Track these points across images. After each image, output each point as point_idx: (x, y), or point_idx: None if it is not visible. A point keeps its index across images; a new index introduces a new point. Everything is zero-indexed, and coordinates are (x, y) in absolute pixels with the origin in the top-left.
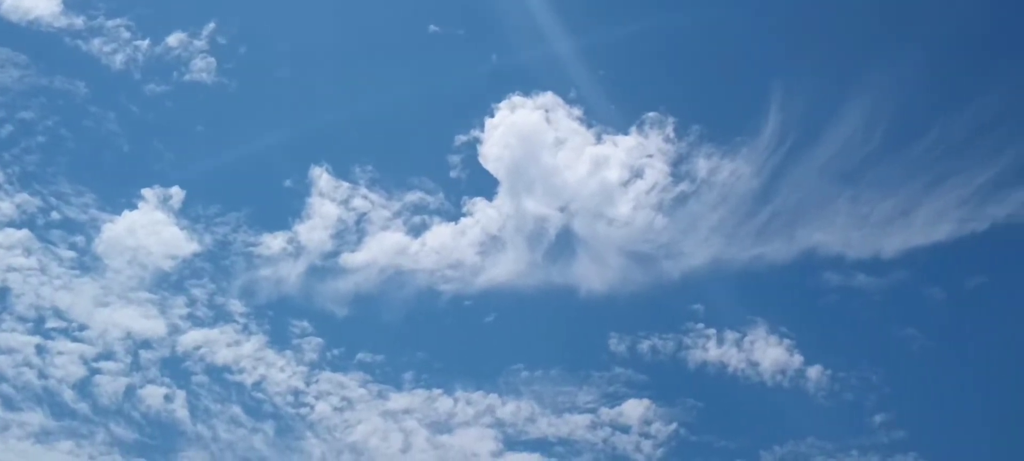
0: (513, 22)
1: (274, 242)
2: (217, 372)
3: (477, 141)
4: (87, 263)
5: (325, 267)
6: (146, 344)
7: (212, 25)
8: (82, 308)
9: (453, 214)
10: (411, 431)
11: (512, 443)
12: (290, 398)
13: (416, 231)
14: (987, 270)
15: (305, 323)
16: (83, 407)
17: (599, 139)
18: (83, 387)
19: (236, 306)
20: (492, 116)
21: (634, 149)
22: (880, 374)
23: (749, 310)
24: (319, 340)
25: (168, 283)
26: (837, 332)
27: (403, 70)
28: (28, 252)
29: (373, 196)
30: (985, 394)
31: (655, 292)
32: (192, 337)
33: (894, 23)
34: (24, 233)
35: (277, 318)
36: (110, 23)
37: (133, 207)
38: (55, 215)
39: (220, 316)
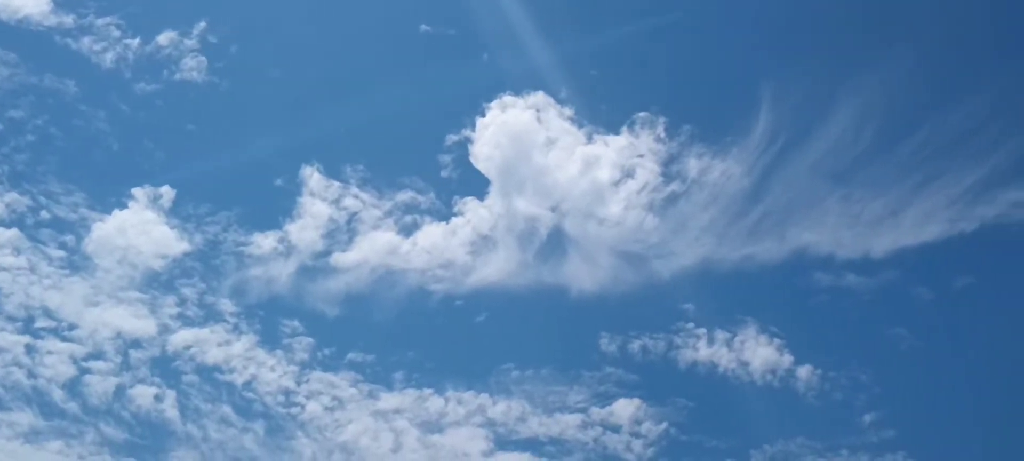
0: (504, 22)
1: (265, 241)
2: (207, 372)
3: (468, 141)
4: (77, 262)
5: (316, 267)
6: (136, 344)
7: (203, 24)
8: (72, 307)
9: (444, 214)
10: (402, 431)
11: (503, 443)
12: (281, 398)
13: (407, 231)
14: (976, 270)
15: (296, 323)
16: (73, 407)
17: (590, 139)
18: (73, 387)
19: (226, 306)
20: (483, 116)
21: (625, 149)
22: (869, 374)
23: (739, 310)
24: (310, 340)
25: (158, 283)
26: (827, 332)
27: (394, 70)
28: (17, 251)
29: (364, 196)
30: (974, 394)
31: (646, 292)
32: (182, 337)
33: (884, 24)
34: (13, 232)
35: (268, 318)
36: (100, 22)
37: (123, 206)
38: (45, 214)
39: (210, 316)
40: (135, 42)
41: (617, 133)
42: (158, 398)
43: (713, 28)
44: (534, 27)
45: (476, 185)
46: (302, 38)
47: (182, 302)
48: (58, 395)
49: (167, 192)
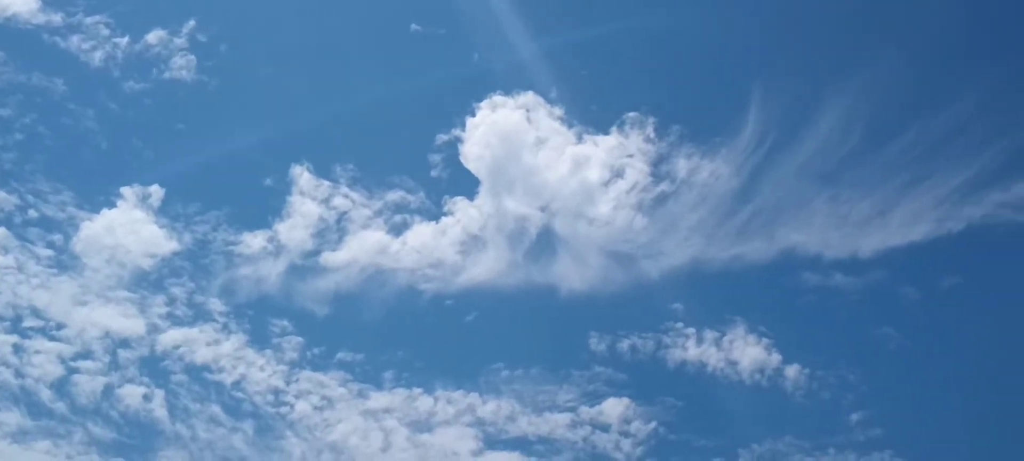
0: (494, 22)
1: (254, 241)
2: (196, 371)
3: (458, 140)
4: (65, 261)
5: (305, 266)
6: (125, 343)
7: (192, 23)
8: (60, 307)
9: (434, 213)
10: (391, 430)
11: (492, 442)
12: (270, 397)
13: (397, 230)
14: (963, 270)
15: (285, 322)
16: (61, 407)
17: (580, 139)
18: (61, 386)
19: (216, 305)
20: (473, 115)
21: (615, 149)
22: (857, 373)
23: (728, 309)
24: (299, 339)
25: (147, 282)
26: (815, 331)
27: (384, 69)
28: (5, 250)
29: (354, 195)
30: (961, 393)
31: (635, 291)
32: (171, 336)
33: (872, 25)
34: (1, 231)
35: (257, 317)
36: (89, 20)
37: (112, 205)
38: (33, 213)
39: (199, 315)
40: (124, 40)
41: (607, 133)
42: (147, 398)
43: (702, 29)
44: (524, 27)
45: (466, 185)
46: (292, 37)
47: (171, 301)
48: (46, 395)
49: (156, 191)
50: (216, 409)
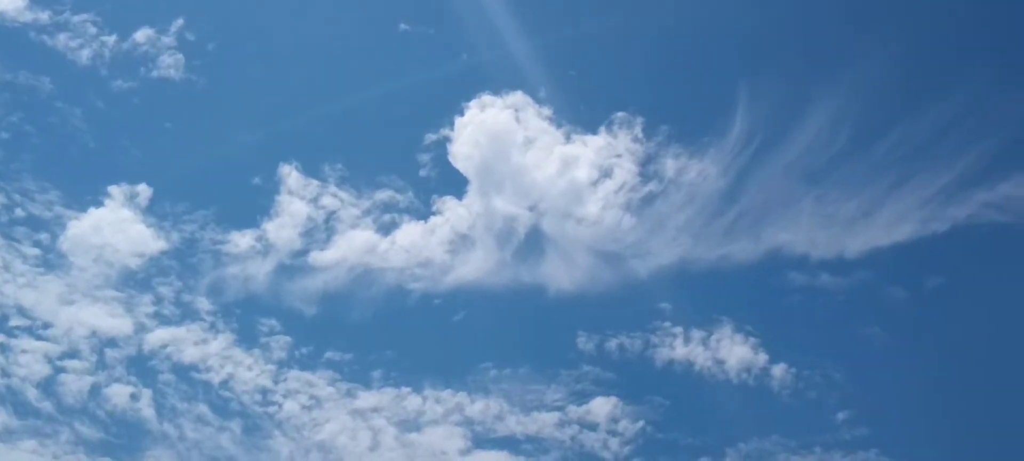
0: (483, 22)
1: (242, 240)
2: (184, 371)
3: (447, 140)
4: (52, 261)
5: (294, 265)
6: (112, 342)
7: (180, 21)
8: (46, 306)
9: (422, 213)
10: (380, 429)
11: (480, 441)
12: (258, 397)
13: (385, 229)
14: (947, 270)
15: (273, 321)
16: (47, 406)
17: (568, 139)
18: (47, 386)
19: (203, 304)
20: (462, 115)
21: (603, 149)
22: (843, 372)
23: (715, 309)
24: (287, 338)
25: (134, 281)
26: (801, 331)
27: (373, 68)
28: None
29: (342, 194)
30: (945, 391)
31: (623, 291)
32: (158, 335)
33: (859, 27)
34: None
35: (245, 316)
36: (76, 18)
37: (99, 204)
38: (19, 212)
39: (187, 314)
40: (111, 39)
41: (595, 133)
42: (134, 397)
43: (690, 30)
44: (513, 27)
45: (455, 184)
46: (280, 36)
47: (158, 301)
48: (32, 394)
49: (144, 190)
50: (204, 408)
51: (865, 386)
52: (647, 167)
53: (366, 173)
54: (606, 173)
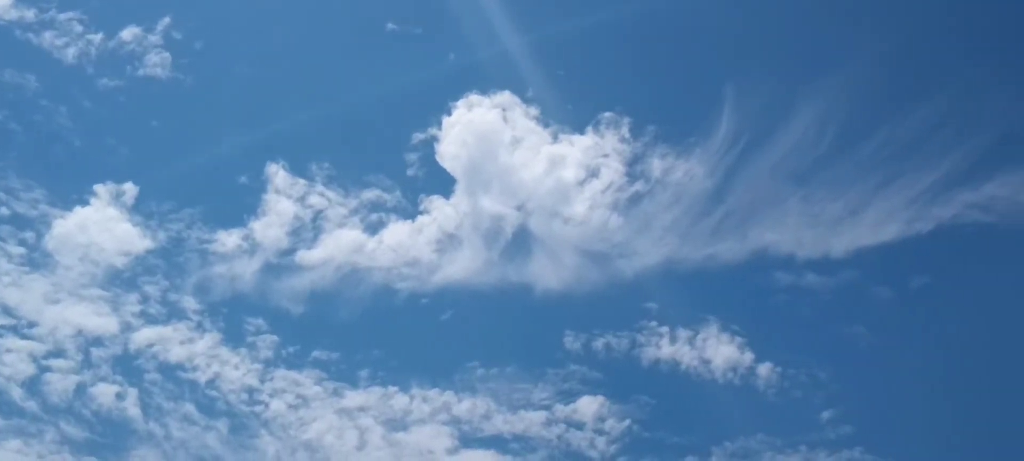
0: (471, 21)
1: (229, 239)
2: (170, 370)
3: (434, 139)
4: (37, 259)
5: (281, 264)
6: (97, 341)
7: (167, 20)
8: (32, 305)
9: (410, 212)
10: (367, 429)
11: (467, 440)
12: (244, 396)
13: (373, 229)
14: (932, 270)
15: (260, 320)
16: (32, 405)
17: (555, 138)
18: (32, 385)
19: (190, 303)
20: (449, 114)
21: (590, 149)
22: (828, 371)
23: (701, 309)
24: (274, 337)
25: (120, 280)
26: (787, 330)
27: (360, 68)
28: None
29: (330, 193)
30: (929, 390)
31: (610, 290)
32: (145, 335)
33: (844, 28)
34: None
35: (231, 315)
36: (62, 16)
37: (85, 203)
38: (4, 211)
39: (173, 313)
40: (98, 37)
41: (582, 133)
42: (120, 396)
43: (677, 30)
44: (500, 27)
45: (442, 184)
46: (267, 35)
47: (145, 300)
48: (17, 393)
49: (130, 189)
50: (190, 408)
51: (850, 385)
52: (634, 167)
53: (353, 172)
54: (593, 173)
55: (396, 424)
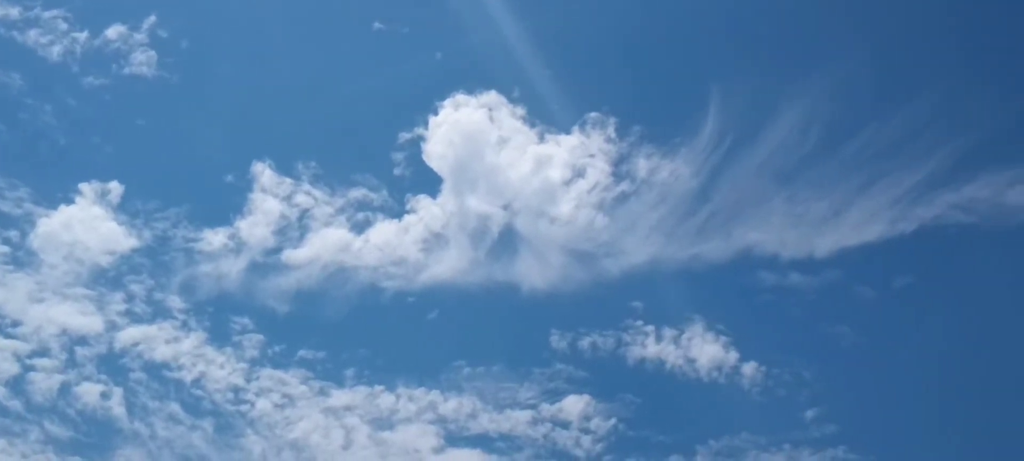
0: (458, 21)
1: (215, 238)
2: (155, 369)
3: (421, 139)
4: (21, 258)
5: (267, 263)
6: (82, 340)
7: (153, 18)
8: (16, 304)
9: (396, 211)
10: (353, 428)
11: (454, 439)
12: (230, 395)
13: (359, 228)
14: (914, 270)
15: (246, 320)
16: (16, 405)
17: (542, 138)
18: (16, 384)
19: (175, 302)
20: (436, 114)
21: (576, 149)
22: (812, 370)
23: (687, 308)
24: (260, 337)
25: (105, 279)
26: (771, 330)
27: (347, 67)
28: None
29: (316, 192)
30: (912, 389)
31: (595, 290)
32: (130, 333)
33: (830, 29)
34: None
35: (217, 314)
36: (47, 14)
37: (70, 202)
38: None
39: (159, 312)
40: (83, 35)
41: (568, 133)
42: (105, 395)
43: (663, 31)
44: (487, 27)
45: (429, 183)
46: (254, 34)
47: (130, 299)
48: (1, 393)
49: (115, 187)
50: (175, 407)
51: (834, 384)
52: (620, 167)
53: (340, 171)
54: (579, 173)
55: (382, 423)
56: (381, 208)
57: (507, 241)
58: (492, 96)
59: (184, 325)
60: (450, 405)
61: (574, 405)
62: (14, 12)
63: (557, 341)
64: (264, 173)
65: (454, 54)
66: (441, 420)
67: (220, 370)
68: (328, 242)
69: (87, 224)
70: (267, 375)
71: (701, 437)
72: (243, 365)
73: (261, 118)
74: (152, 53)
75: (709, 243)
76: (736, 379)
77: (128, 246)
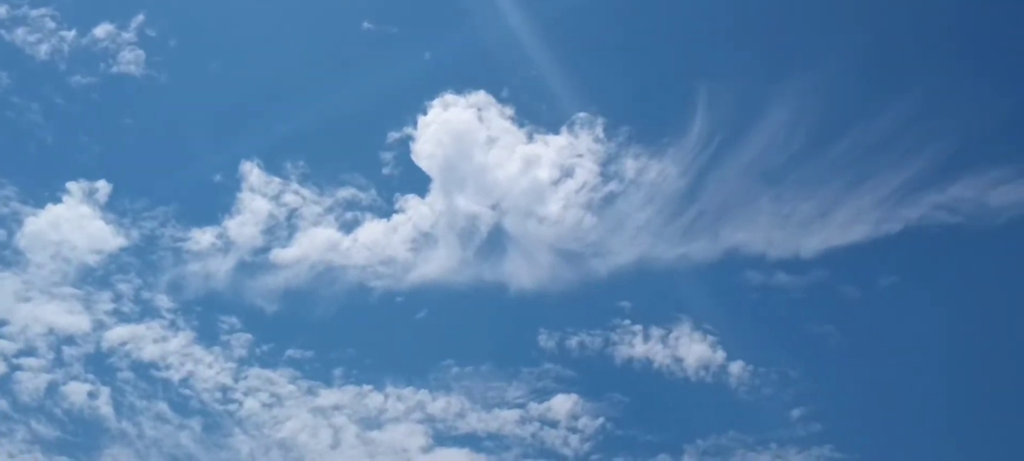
0: (446, 21)
1: (203, 237)
2: (143, 368)
3: (410, 138)
4: (8, 257)
5: (255, 263)
6: (70, 340)
7: (141, 17)
8: (3, 303)
9: (385, 211)
10: (341, 427)
11: (442, 438)
12: (218, 394)
13: (348, 227)
14: (900, 270)
15: (234, 319)
16: (3, 404)
17: (530, 138)
18: (3, 384)
19: (163, 301)
20: (425, 114)
21: (564, 149)
22: (798, 370)
23: (674, 307)
24: (248, 336)
25: (93, 278)
26: (758, 329)
27: (336, 66)
28: None
29: (305, 192)
30: (897, 388)
31: (583, 289)
32: (117, 333)
33: (816, 29)
34: None
35: (205, 314)
36: (34, 13)
37: (57, 200)
38: None
39: (147, 312)
40: (71, 34)
41: (557, 133)
42: (92, 395)
43: (651, 31)
44: (476, 26)
45: (417, 182)
46: (242, 33)
47: (118, 298)
48: None
49: (103, 186)
50: (163, 406)
51: (820, 383)
52: (608, 167)
53: (328, 171)
54: (567, 173)
55: (370, 422)
56: (370, 207)
57: (495, 241)
58: (481, 96)
59: (172, 324)
60: (438, 404)
61: (562, 404)
62: (1, 10)
63: (545, 340)
64: (252, 172)
65: (443, 54)
66: (429, 419)
67: (208, 369)
68: (316, 241)
69: (75, 223)
70: (255, 374)
71: (688, 436)
72: (231, 364)
73: (249, 117)
74: (140, 52)
75: (696, 243)
76: (723, 378)
77: (116, 245)
